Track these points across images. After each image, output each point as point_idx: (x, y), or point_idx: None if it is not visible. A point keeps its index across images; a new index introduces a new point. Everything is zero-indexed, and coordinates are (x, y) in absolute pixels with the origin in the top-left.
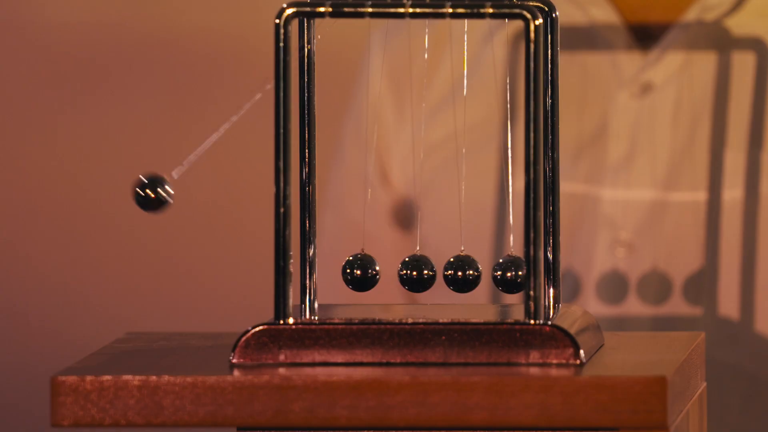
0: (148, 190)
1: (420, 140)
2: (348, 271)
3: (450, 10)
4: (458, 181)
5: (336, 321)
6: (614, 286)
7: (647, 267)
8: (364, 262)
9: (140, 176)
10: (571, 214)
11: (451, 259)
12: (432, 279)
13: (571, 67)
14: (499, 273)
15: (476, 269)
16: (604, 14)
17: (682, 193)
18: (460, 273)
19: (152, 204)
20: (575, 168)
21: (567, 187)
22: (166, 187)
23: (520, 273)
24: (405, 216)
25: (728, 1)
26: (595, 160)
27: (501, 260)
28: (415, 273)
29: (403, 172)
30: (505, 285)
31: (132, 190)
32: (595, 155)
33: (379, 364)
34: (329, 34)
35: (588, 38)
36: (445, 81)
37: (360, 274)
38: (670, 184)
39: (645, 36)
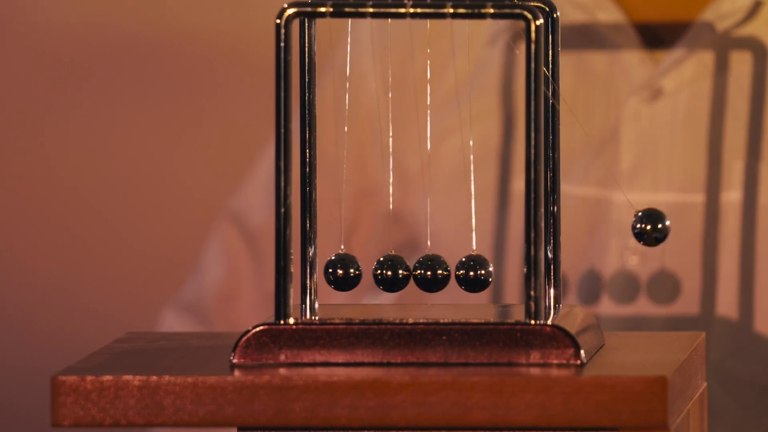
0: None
1: (425, 141)
2: (378, 272)
3: (451, 11)
4: (466, 180)
5: (336, 321)
6: (623, 287)
7: (655, 269)
8: (394, 262)
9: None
10: (584, 218)
11: (463, 259)
12: (446, 279)
13: (579, 69)
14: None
15: (487, 269)
16: (612, 16)
17: (683, 195)
18: (472, 273)
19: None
20: (586, 172)
21: (579, 191)
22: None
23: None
24: None
25: (742, 9)
26: (607, 164)
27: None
28: (429, 273)
29: (402, 173)
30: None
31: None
32: (606, 159)
33: (380, 364)
34: (328, 35)
35: (597, 40)
36: (449, 82)
37: (390, 275)
38: (674, 186)
39: (655, 39)
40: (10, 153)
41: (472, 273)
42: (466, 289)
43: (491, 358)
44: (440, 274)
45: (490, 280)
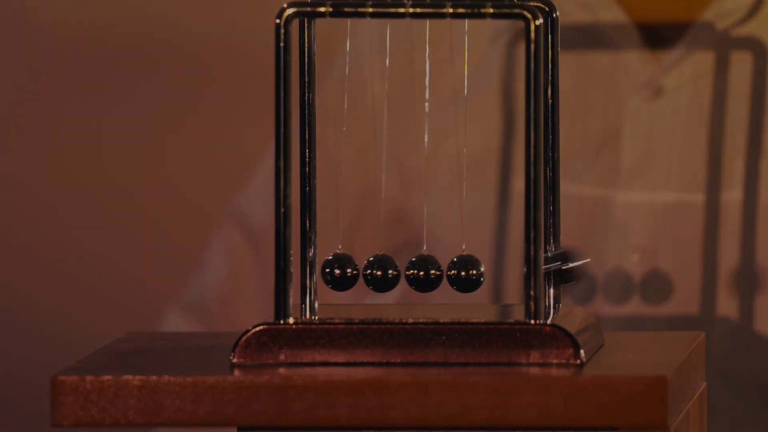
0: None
1: (422, 142)
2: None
3: (450, 11)
4: (459, 180)
5: (336, 321)
6: (623, 287)
7: (655, 268)
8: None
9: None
10: (585, 217)
11: (455, 259)
12: (439, 279)
13: (580, 69)
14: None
15: (479, 269)
16: (614, 16)
17: (683, 194)
18: (463, 273)
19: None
20: (587, 171)
21: (580, 190)
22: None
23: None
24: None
25: (743, 8)
26: (608, 163)
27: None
28: (422, 273)
29: (401, 173)
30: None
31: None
32: (607, 159)
33: (380, 364)
34: (328, 35)
35: (598, 40)
36: (447, 82)
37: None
38: (674, 185)
39: (656, 38)
40: (9, 152)
41: (463, 273)
42: (457, 290)
43: (491, 358)
44: (433, 274)
45: (482, 279)
